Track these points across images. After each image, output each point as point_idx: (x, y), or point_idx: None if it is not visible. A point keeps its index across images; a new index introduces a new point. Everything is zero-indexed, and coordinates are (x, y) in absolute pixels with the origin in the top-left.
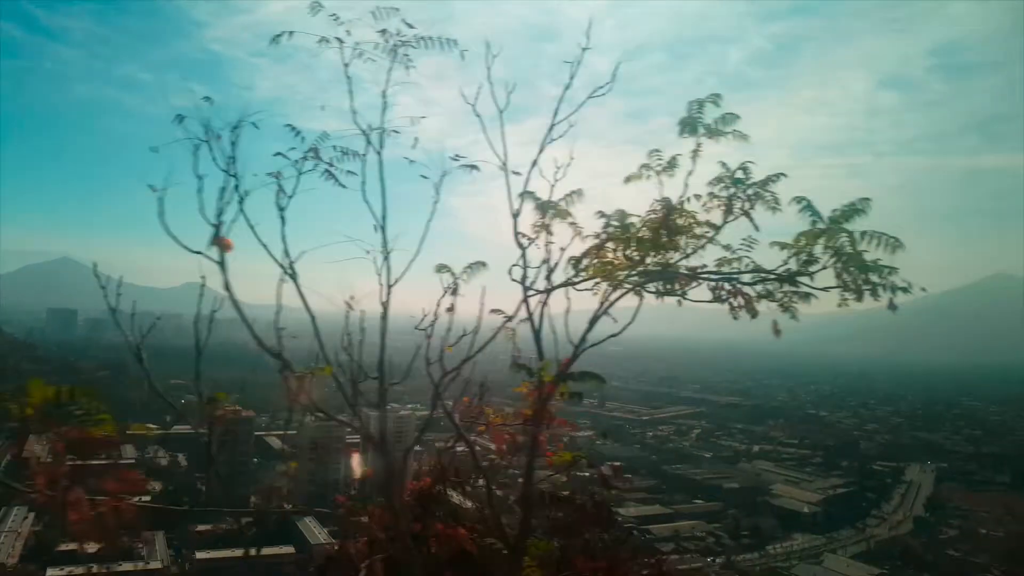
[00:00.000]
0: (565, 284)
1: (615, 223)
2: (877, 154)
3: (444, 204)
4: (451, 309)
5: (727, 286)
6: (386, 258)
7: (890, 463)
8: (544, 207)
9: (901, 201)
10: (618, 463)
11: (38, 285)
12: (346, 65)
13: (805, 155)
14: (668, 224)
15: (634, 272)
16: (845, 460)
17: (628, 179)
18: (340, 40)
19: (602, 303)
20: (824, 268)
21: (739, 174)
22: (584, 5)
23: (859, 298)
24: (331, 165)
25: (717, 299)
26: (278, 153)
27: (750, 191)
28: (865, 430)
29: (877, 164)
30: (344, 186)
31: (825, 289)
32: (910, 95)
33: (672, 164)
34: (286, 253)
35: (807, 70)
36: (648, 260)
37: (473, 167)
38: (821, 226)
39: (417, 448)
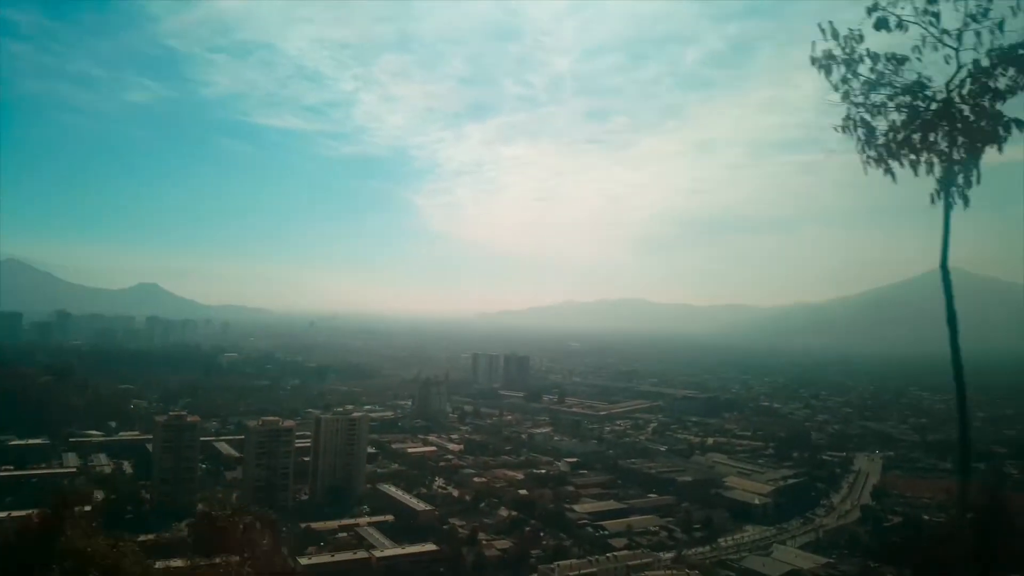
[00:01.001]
0: None
1: None
2: (828, 151)
3: (408, 202)
4: None
5: None
6: None
7: (839, 453)
8: None
9: (851, 197)
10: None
11: None
12: None
13: (760, 153)
14: None
15: None
16: (796, 451)
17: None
18: None
19: None
20: None
21: None
22: (545, 6)
23: None
24: None
25: None
26: None
27: None
28: (816, 421)
29: (828, 162)
30: None
31: None
32: None
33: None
34: None
35: (762, 70)
36: None
37: None
38: None
39: (372, 450)
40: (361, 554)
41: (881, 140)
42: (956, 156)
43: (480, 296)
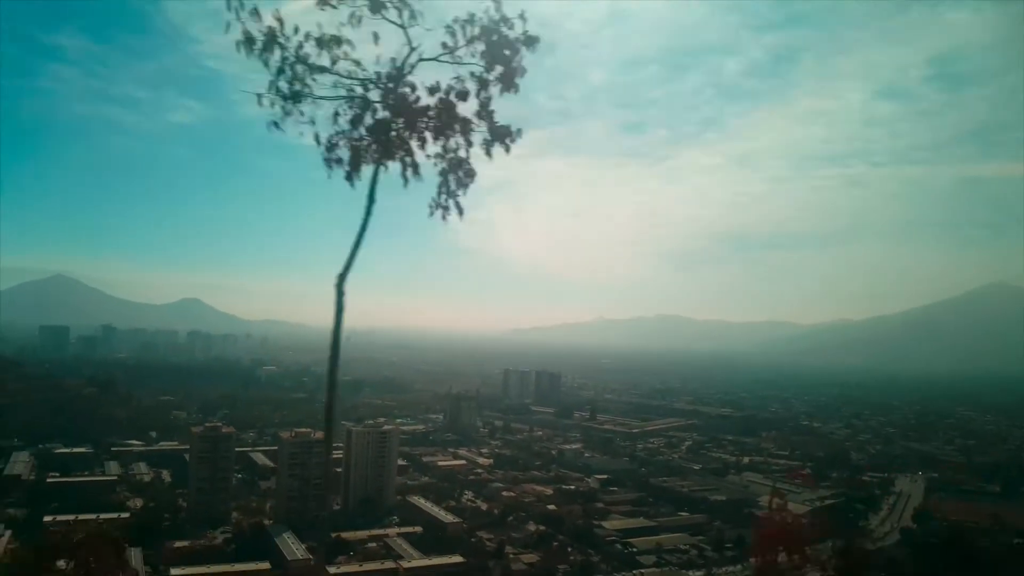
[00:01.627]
0: None
1: None
2: (874, 164)
3: (437, 218)
4: None
5: None
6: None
7: (880, 474)
8: None
9: (898, 210)
10: None
11: (33, 303)
12: None
13: (803, 166)
14: None
15: None
16: (835, 471)
17: None
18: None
19: None
20: None
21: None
22: (581, 19)
23: None
24: None
25: None
26: None
27: None
28: (857, 441)
29: (874, 174)
30: None
31: None
32: (907, 105)
33: None
34: None
35: (804, 80)
36: None
37: None
38: None
39: (402, 463)
40: (389, 564)
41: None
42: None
43: (513, 312)
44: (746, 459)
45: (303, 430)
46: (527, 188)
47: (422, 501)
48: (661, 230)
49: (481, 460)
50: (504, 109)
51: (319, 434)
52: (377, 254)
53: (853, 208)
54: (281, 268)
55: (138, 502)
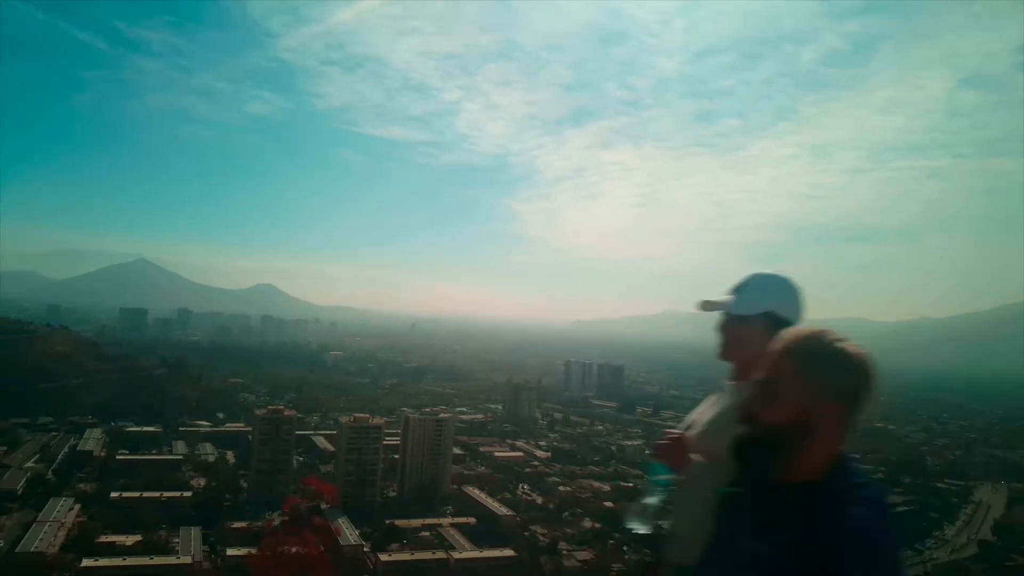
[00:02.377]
0: None
1: None
2: (957, 156)
3: (506, 208)
4: None
5: None
6: None
7: (958, 481)
8: None
9: (984, 204)
10: None
11: (115, 286)
12: None
13: (881, 157)
14: None
15: None
16: (908, 477)
17: None
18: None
19: None
20: None
21: None
22: (652, 7)
23: None
24: None
25: None
26: None
27: None
28: (934, 446)
29: (957, 166)
30: None
31: None
32: (994, 94)
33: None
34: None
35: (884, 69)
36: None
37: None
38: None
39: (459, 452)
40: (440, 554)
41: None
42: None
43: (577, 303)
44: None
45: (362, 415)
46: (594, 178)
47: (477, 492)
48: (732, 221)
49: (538, 452)
50: (571, 100)
51: (377, 420)
52: (442, 242)
53: (935, 201)
54: (351, 255)
55: (201, 482)
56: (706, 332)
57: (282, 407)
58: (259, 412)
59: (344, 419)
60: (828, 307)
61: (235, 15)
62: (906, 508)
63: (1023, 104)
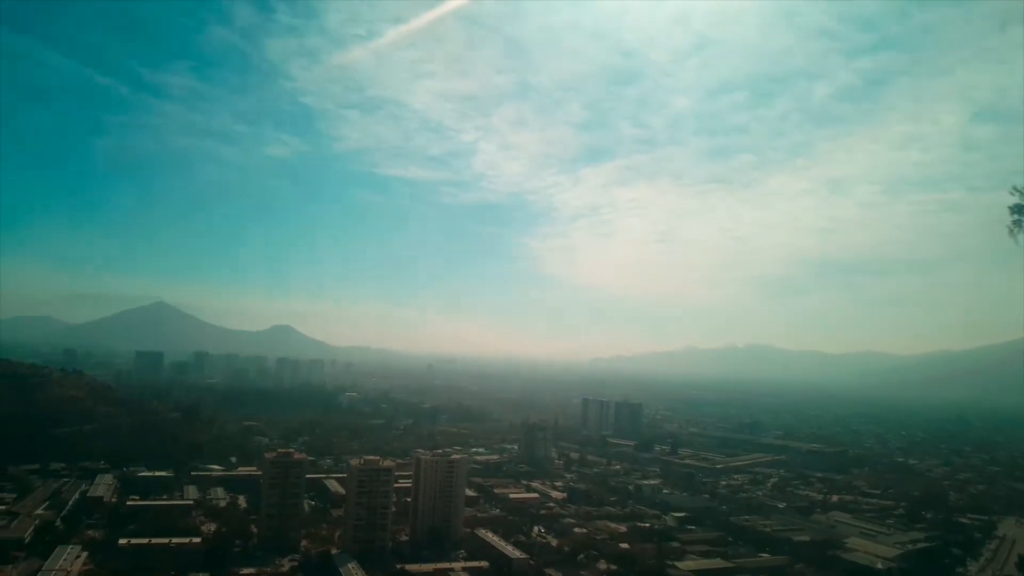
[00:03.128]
0: None
1: None
2: (973, 189)
3: (523, 246)
4: None
5: None
6: None
7: (981, 516)
8: None
9: (1001, 237)
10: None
11: (133, 329)
12: None
13: (897, 191)
14: None
15: None
16: (931, 512)
17: None
18: None
19: None
20: None
21: None
22: (665, 47)
23: None
24: None
25: None
26: None
27: None
28: (956, 480)
29: (973, 199)
30: None
31: None
32: (1008, 127)
33: None
34: None
35: (898, 104)
36: None
37: None
38: None
39: (473, 494)
40: None
41: None
42: None
43: (596, 341)
44: (834, 497)
45: (372, 457)
46: (610, 215)
47: (490, 535)
48: (750, 256)
49: (554, 493)
50: (586, 139)
51: (387, 462)
52: (460, 281)
53: (952, 234)
54: (369, 295)
55: (211, 527)
56: (727, 368)
57: (292, 450)
58: (268, 456)
59: (354, 462)
60: (849, 341)
61: (255, 59)
62: (928, 544)
63: None
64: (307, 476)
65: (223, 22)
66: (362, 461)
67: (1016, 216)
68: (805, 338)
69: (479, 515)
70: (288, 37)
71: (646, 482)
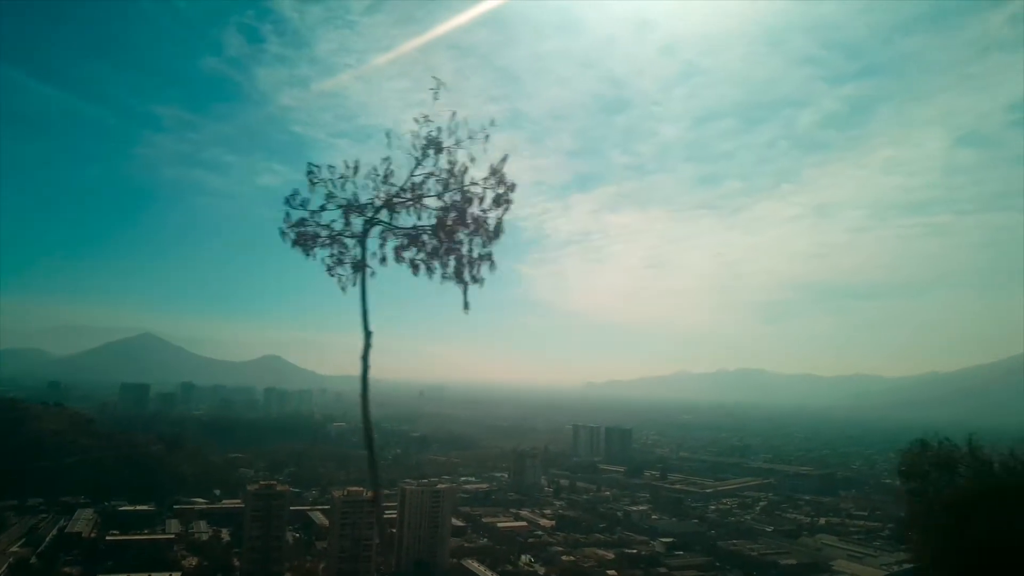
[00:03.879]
0: None
1: None
2: (958, 212)
3: (515, 273)
4: None
5: None
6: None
7: None
8: None
9: (985, 258)
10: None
11: (119, 361)
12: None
13: (884, 216)
14: None
15: None
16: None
17: None
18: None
19: None
20: None
21: None
22: (653, 76)
23: None
24: None
25: None
26: None
27: None
28: None
29: (958, 222)
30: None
31: None
32: (991, 151)
33: None
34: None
35: (883, 130)
36: None
37: None
38: None
39: (460, 523)
40: None
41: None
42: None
43: (588, 366)
44: (822, 520)
45: (355, 488)
46: (601, 241)
47: (476, 565)
48: (740, 281)
49: (543, 521)
50: (577, 166)
51: (371, 493)
52: (452, 308)
53: (938, 257)
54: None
55: (193, 561)
56: (719, 392)
57: (274, 483)
58: (251, 488)
59: (337, 493)
60: (839, 365)
61: (246, 88)
62: (915, 565)
63: (1017, 160)
64: (291, 508)
65: (214, 52)
66: (345, 492)
67: None
68: (796, 362)
69: (466, 545)
70: (278, 66)
71: (635, 508)
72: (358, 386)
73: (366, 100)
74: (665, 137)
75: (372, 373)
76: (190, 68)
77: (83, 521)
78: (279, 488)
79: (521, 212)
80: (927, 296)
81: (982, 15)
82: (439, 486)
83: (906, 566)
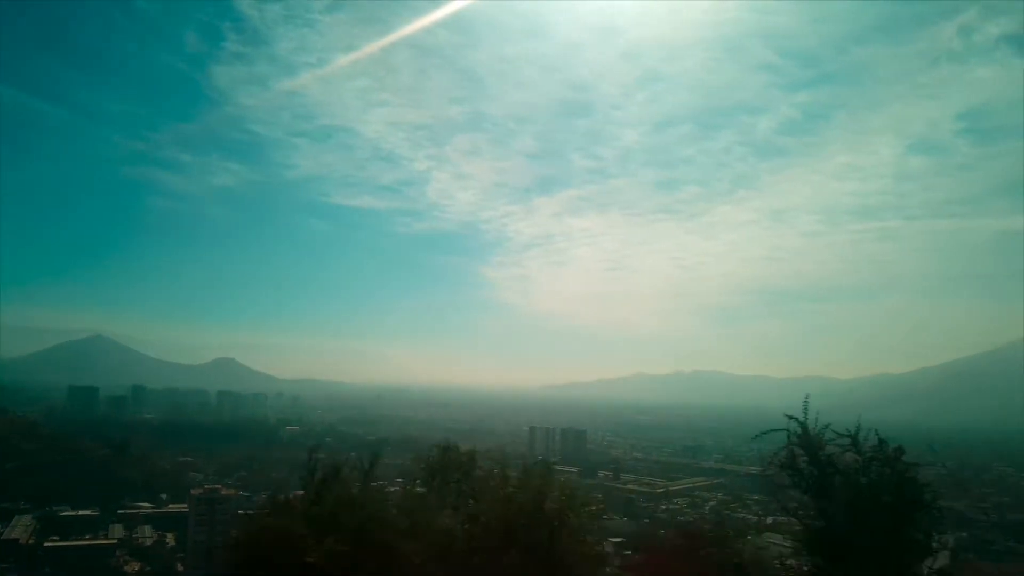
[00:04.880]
0: None
1: None
2: (908, 218)
3: (477, 275)
4: None
5: None
6: None
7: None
8: None
9: (933, 264)
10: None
11: (69, 363)
12: None
13: (837, 221)
14: None
15: None
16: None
17: None
18: None
19: None
20: None
21: None
22: (614, 80)
23: None
24: None
25: None
26: None
27: None
28: None
29: (908, 228)
30: None
31: None
32: (940, 159)
33: None
34: None
35: (837, 136)
36: None
37: None
38: None
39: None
40: None
41: None
42: None
43: (549, 368)
44: (769, 519)
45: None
46: (563, 244)
47: None
48: (698, 285)
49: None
50: (539, 169)
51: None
52: (413, 311)
53: (889, 261)
54: (318, 326)
55: (136, 566)
56: (675, 393)
57: (219, 486)
58: (194, 492)
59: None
60: (793, 367)
61: (202, 86)
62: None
63: (964, 168)
64: (239, 512)
65: (169, 49)
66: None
67: None
68: (751, 364)
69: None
70: (236, 64)
71: (587, 509)
72: (317, 390)
73: (326, 99)
74: (626, 142)
75: (330, 375)
76: (145, 65)
77: (21, 527)
78: (224, 492)
79: (484, 214)
80: (878, 299)
81: (933, 27)
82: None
83: None
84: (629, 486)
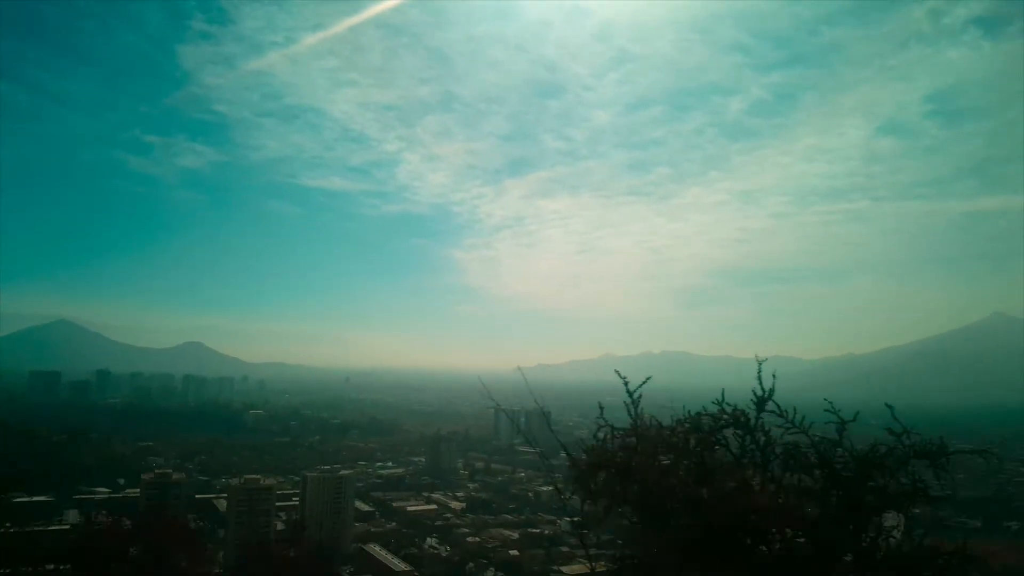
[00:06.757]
0: None
1: None
2: (876, 199)
3: (448, 258)
4: None
5: None
6: None
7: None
8: None
9: (900, 245)
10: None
11: (33, 348)
12: None
13: (806, 201)
14: None
15: None
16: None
17: None
18: None
19: None
20: None
21: None
22: (586, 61)
23: None
24: None
25: None
26: None
27: None
28: None
29: (876, 209)
30: None
31: None
32: (908, 141)
33: None
34: None
35: (807, 118)
36: None
37: None
38: None
39: (369, 508)
40: None
41: None
42: None
43: (519, 350)
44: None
45: (253, 477)
46: (533, 226)
47: (377, 549)
48: (667, 267)
49: (454, 504)
50: (510, 150)
51: (268, 481)
52: (382, 293)
53: (856, 243)
54: (286, 309)
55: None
56: (644, 374)
57: (170, 471)
58: (145, 477)
59: (234, 482)
60: (758, 347)
61: (166, 67)
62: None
63: (932, 150)
64: (198, 496)
65: (133, 28)
66: (243, 481)
67: None
68: (718, 344)
69: (372, 530)
70: (202, 43)
71: (546, 488)
72: (285, 373)
73: (294, 80)
74: (597, 123)
75: (299, 359)
76: (106, 43)
77: None
78: (175, 477)
79: (455, 196)
80: (845, 281)
81: (903, 8)
82: (342, 472)
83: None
84: None
